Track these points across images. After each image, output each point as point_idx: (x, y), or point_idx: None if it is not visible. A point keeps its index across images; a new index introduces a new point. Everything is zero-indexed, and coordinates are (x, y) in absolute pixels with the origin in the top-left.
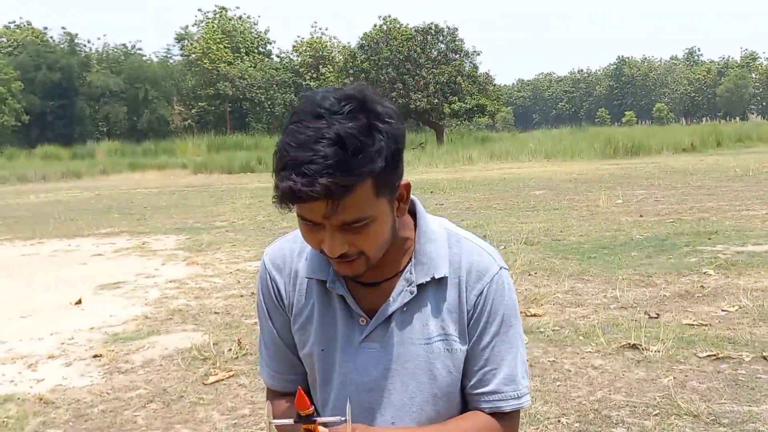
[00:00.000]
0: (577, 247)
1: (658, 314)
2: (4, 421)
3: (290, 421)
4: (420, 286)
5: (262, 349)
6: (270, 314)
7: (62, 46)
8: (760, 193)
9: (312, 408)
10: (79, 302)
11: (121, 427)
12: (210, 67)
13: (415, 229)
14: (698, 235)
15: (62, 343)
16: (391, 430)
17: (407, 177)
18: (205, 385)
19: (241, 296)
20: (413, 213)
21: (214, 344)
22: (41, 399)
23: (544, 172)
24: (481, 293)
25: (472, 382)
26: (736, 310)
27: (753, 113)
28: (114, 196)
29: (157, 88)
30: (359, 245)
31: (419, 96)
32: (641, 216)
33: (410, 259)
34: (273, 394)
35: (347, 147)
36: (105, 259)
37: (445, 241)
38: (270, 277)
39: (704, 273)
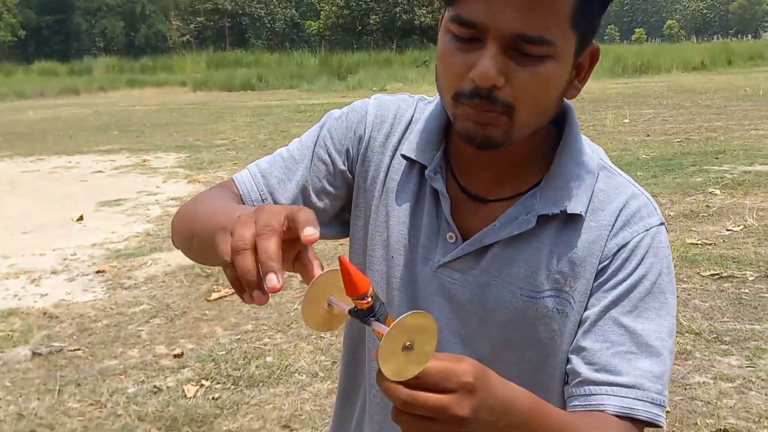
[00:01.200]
0: None
1: None
2: (8, 335)
3: (346, 307)
4: (542, 218)
5: (276, 156)
6: (329, 145)
7: None
8: None
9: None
10: (80, 219)
11: (125, 341)
12: None
13: (559, 143)
14: (705, 154)
15: (65, 259)
16: (506, 383)
17: (411, 92)
18: (208, 301)
19: None
20: (560, 121)
21: None
22: (45, 313)
23: None
24: (627, 244)
25: (592, 365)
26: (741, 230)
27: (766, 31)
28: (113, 113)
29: (155, 2)
30: (517, 88)
31: (424, 12)
32: (648, 135)
33: (539, 180)
34: (228, 190)
35: None
36: (105, 176)
37: (594, 171)
38: (365, 119)
39: (710, 193)
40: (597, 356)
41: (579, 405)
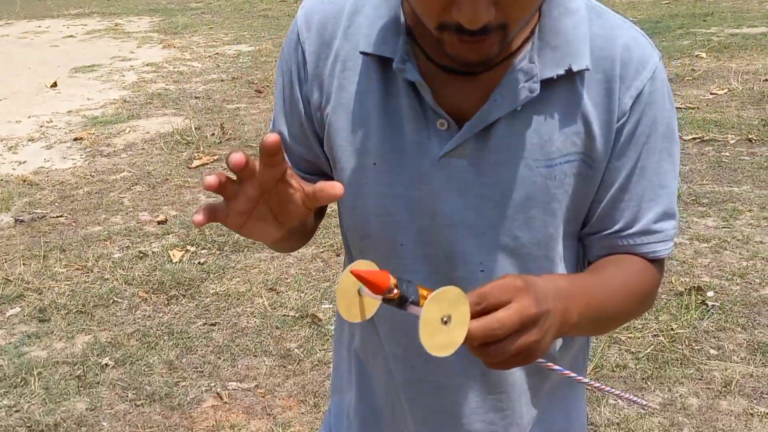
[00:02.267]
0: None
1: None
2: None
3: (379, 299)
4: (545, 82)
5: (276, 126)
6: (287, 93)
7: None
8: None
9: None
10: (54, 85)
11: (107, 207)
12: None
13: None
14: (693, 17)
15: (41, 126)
16: (543, 278)
17: None
18: (190, 168)
19: (222, 81)
20: None
21: (196, 129)
22: (25, 180)
23: None
24: (641, 93)
25: (618, 220)
26: (725, 93)
27: None
28: None
29: None
30: (507, 9)
31: None
32: None
33: (530, 38)
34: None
35: None
36: (77, 41)
37: (585, 16)
38: (298, 39)
39: (696, 56)
40: (628, 210)
41: (601, 254)
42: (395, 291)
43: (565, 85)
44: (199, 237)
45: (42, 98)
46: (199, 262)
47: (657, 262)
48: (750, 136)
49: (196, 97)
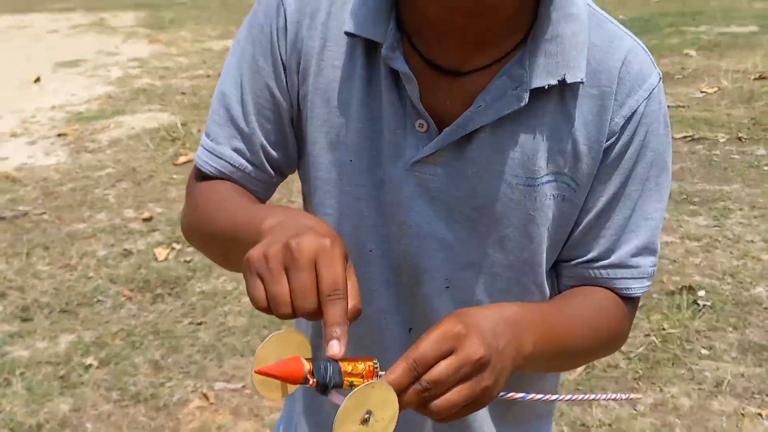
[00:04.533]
0: None
1: None
2: None
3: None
4: (535, 92)
5: (227, 100)
6: (256, 64)
7: None
8: None
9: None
10: (37, 80)
11: (92, 204)
12: None
13: None
14: (683, 15)
15: (24, 122)
16: (490, 308)
17: None
18: (176, 165)
19: (208, 76)
20: None
21: (182, 125)
22: (8, 177)
23: None
24: (633, 114)
25: (592, 249)
26: (715, 92)
27: None
28: None
29: None
30: None
31: None
32: None
33: (523, 41)
34: (205, 176)
35: None
36: (61, 36)
37: (586, 23)
38: (281, 1)
39: (686, 54)
40: (603, 239)
41: (571, 284)
42: (312, 380)
43: (556, 98)
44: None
45: (25, 93)
46: (185, 260)
47: (630, 300)
48: (740, 135)
49: (182, 93)
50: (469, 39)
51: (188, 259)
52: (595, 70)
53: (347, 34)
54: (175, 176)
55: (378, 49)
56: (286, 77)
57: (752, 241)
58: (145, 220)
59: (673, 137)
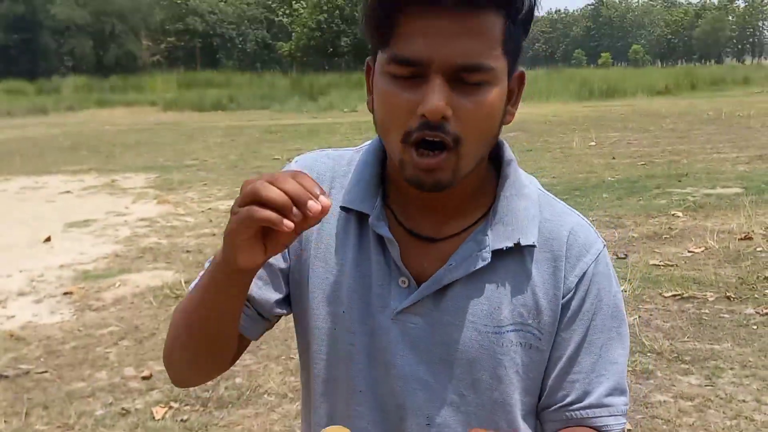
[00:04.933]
0: (550, 189)
1: (626, 254)
2: None
3: None
4: (497, 253)
5: None
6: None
7: None
8: (731, 136)
9: None
10: (48, 240)
11: (93, 363)
12: (179, 1)
13: (498, 178)
14: (669, 177)
15: (32, 281)
16: None
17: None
18: None
19: (213, 235)
20: (495, 158)
21: (185, 282)
22: (12, 335)
23: (519, 114)
24: (584, 275)
25: (569, 393)
26: (702, 252)
27: (728, 56)
28: (82, 133)
29: (124, 22)
30: (463, 119)
31: None
32: (614, 158)
33: (486, 214)
34: None
35: None
36: (74, 197)
37: (536, 202)
38: None
39: (673, 215)
40: (576, 385)
41: (554, 428)
42: None
43: (514, 258)
44: (182, 393)
45: (35, 252)
46: (181, 419)
47: None
48: (728, 294)
49: (187, 251)
50: (441, 214)
51: (185, 417)
52: (547, 238)
53: (342, 208)
54: None
55: (367, 219)
56: (290, 249)
57: (744, 401)
58: (144, 378)
59: (662, 296)
